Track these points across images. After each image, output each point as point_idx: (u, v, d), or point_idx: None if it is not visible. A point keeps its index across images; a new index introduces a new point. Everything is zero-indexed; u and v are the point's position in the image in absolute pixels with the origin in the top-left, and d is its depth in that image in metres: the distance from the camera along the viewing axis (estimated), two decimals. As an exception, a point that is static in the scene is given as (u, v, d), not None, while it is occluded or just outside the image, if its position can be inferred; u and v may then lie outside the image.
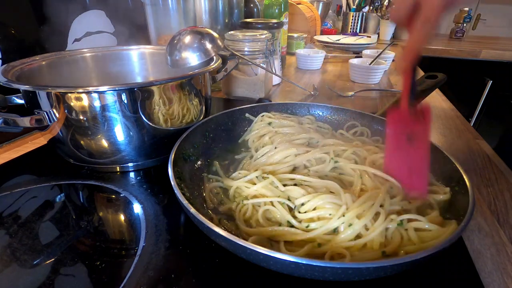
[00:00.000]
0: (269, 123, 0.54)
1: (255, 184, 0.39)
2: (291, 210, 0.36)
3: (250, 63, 0.74)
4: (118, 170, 0.49)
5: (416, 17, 0.31)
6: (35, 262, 0.33)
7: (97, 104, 0.42)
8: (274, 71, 0.84)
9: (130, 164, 0.49)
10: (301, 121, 0.56)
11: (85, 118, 0.42)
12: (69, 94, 0.41)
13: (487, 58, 1.77)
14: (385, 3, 1.90)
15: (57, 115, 0.43)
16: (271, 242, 0.33)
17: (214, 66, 0.53)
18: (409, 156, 0.33)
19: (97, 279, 0.31)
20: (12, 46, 0.59)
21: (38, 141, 0.60)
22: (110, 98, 0.42)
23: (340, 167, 0.42)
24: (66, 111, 0.42)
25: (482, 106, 1.84)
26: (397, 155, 0.34)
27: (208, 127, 0.51)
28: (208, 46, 0.56)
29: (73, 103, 0.41)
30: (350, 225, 0.31)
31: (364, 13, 1.91)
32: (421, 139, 0.32)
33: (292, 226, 0.34)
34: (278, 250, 0.30)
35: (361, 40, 1.57)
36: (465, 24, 2.18)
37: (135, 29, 0.87)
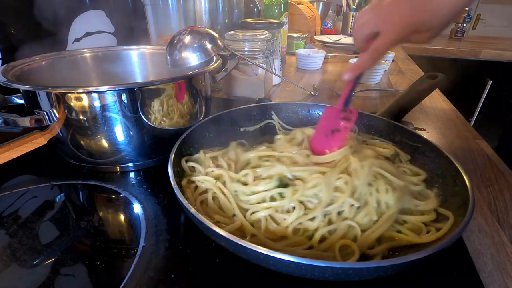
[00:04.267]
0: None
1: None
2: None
3: (250, 63, 0.74)
4: (118, 170, 0.49)
5: (371, 43, 0.38)
6: (35, 262, 0.33)
7: (97, 104, 0.42)
8: (274, 71, 0.84)
9: (130, 164, 0.49)
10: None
11: (85, 118, 0.42)
12: (69, 94, 0.41)
13: (487, 58, 1.77)
14: (385, 3, 1.90)
15: (57, 115, 0.43)
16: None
17: (214, 66, 0.53)
18: (329, 143, 0.43)
19: (97, 279, 0.31)
20: (12, 46, 0.59)
21: (38, 141, 0.60)
22: (110, 98, 0.42)
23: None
24: (66, 111, 0.42)
25: (482, 106, 1.84)
26: (320, 140, 0.45)
27: (208, 127, 0.51)
28: (208, 46, 0.56)
29: (73, 103, 0.41)
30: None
31: (364, 13, 1.90)
32: (342, 133, 0.43)
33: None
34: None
35: (361, 40, 1.57)
36: (465, 24, 2.18)
37: (135, 29, 0.87)
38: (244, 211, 0.37)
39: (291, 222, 0.34)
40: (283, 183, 0.38)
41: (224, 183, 0.40)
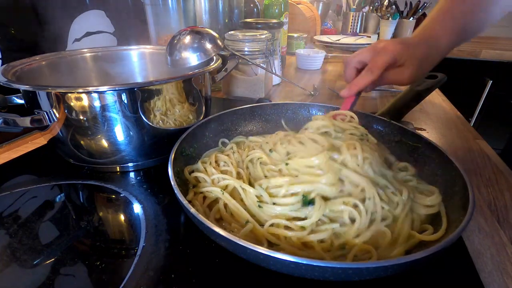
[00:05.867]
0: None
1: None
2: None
3: (250, 63, 0.74)
4: (118, 170, 0.49)
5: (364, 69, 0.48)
6: (35, 262, 0.33)
7: (97, 104, 0.42)
8: (274, 71, 0.84)
9: (130, 164, 0.49)
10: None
11: (85, 118, 0.42)
12: (69, 94, 0.41)
13: (487, 58, 1.76)
14: (385, 3, 1.90)
15: (57, 115, 0.43)
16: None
17: (214, 66, 0.53)
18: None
19: (97, 279, 0.31)
20: (12, 46, 0.59)
21: (38, 141, 0.60)
22: (110, 98, 0.42)
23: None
24: (66, 111, 0.42)
25: (482, 106, 1.84)
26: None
27: (208, 127, 0.51)
28: (208, 46, 0.56)
29: (73, 103, 0.41)
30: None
31: (364, 13, 1.91)
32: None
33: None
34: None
35: (361, 40, 1.57)
36: (465, 24, 2.18)
37: (135, 29, 0.87)
38: (259, 221, 0.36)
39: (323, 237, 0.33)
40: (308, 200, 0.36)
41: (233, 192, 0.40)
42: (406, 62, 0.47)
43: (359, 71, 0.50)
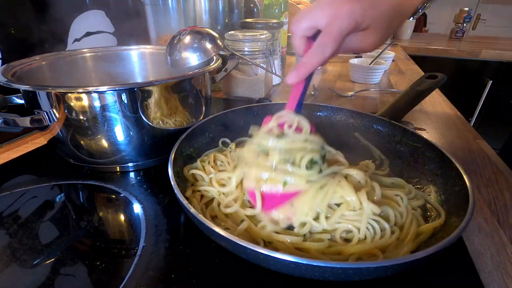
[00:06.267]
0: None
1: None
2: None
3: (250, 63, 0.74)
4: (118, 170, 0.49)
5: (315, 41, 0.35)
6: (35, 262, 0.33)
7: (97, 104, 0.42)
8: (274, 71, 0.84)
9: (130, 164, 0.49)
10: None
11: (85, 118, 0.42)
12: (69, 94, 0.41)
13: (487, 58, 1.77)
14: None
15: (57, 115, 0.43)
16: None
17: (214, 66, 0.53)
18: None
19: (97, 279, 0.31)
20: (12, 46, 0.59)
21: (38, 141, 0.60)
22: (110, 98, 0.42)
23: None
24: (66, 111, 0.42)
25: (482, 106, 1.84)
26: None
27: (208, 127, 0.51)
28: (208, 46, 0.56)
29: (73, 103, 0.41)
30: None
31: (364, 13, 1.91)
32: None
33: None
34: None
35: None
36: (465, 24, 2.19)
37: (135, 29, 0.87)
38: (254, 220, 0.36)
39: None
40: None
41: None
42: (371, 24, 0.35)
43: (311, 39, 0.37)
